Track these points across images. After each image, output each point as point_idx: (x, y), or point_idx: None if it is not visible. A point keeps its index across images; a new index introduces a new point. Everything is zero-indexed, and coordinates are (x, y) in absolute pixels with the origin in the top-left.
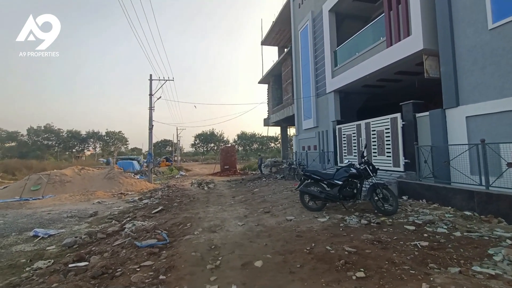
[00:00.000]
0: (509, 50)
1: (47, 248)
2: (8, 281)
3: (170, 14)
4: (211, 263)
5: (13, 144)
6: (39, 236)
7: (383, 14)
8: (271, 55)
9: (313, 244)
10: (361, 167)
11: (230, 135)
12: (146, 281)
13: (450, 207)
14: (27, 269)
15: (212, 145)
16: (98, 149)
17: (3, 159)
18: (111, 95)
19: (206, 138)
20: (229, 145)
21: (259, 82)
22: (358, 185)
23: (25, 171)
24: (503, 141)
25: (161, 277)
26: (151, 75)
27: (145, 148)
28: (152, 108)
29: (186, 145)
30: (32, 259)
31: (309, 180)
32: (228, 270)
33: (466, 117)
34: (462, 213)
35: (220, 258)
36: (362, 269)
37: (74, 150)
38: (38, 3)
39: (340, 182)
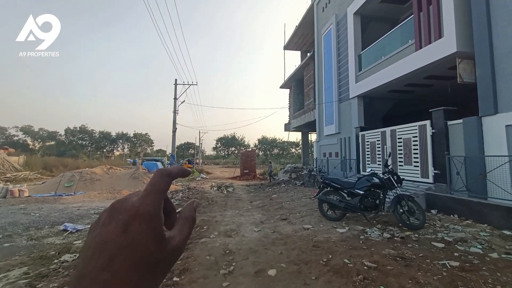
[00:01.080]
0: None
1: (74, 242)
2: (38, 272)
3: (195, 21)
4: (224, 268)
5: (52, 143)
6: (68, 230)
7: (412, 15)
8: (294, 60)
9: (330, 256)
10: (385, 177)
11: (251, 139)
12: None
13: (486, 225)
14: (55, 261)
15: (233, 149)
16: (126, 150)
17: (43, 156)
18: (139, 98)
19: (228, 142)
20: (250, 149)
21: (281, 87)
22: (381, 195)
23: (61, 168)
24: None
25: (175, 278)
26: (176, 80)
27: (169, 150)
28: (176, 112)
29: (208, 148)
30: (60, 252)
31: (329, 188)
32: (241, 277)
33: (506, 125)
34: (501, 232)
35: (234, 264)
36: (382, 287)
37: (104, 150)
38: (38, 3)
39: (362, 192)
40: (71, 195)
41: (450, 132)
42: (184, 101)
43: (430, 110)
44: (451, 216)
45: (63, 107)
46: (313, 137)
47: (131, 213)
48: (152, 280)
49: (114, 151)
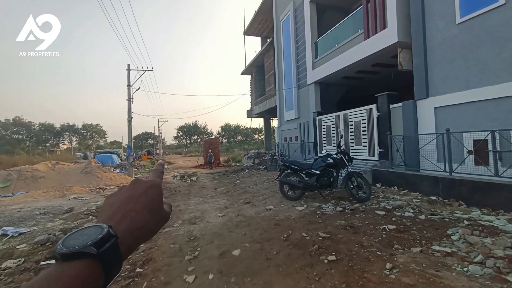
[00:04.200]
0: (474, 43)
1: (17, 246)
2: None
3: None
4: (189, 254)
5: None
6: (9, 235)
7: (362, 6)
8: (254, 45)
9: (290, 232)
10: (338, 157)
11: (214, 127)
12: (122, 274)
13: (418, 193)
14: None
15: (196, 137)
16: (74, 143)
17: None
18: (88, 86)
19: (189, 130)
20: (213, 137)
21: (242, 73)
22: (335, 174)
23: None
24: (468, 130)
25: (137, 270)
26: (128, 65)
27: (125, 141)
28: (131, 100)
29: (169, 137)
30: (0, 258)
31: (289, 170)
32: (206, 260)
33: (435, 108)
34: (428, 198)
35: (198, 249)
36: (333, 253)
37: (48, 144)
38: (38, 3)
39: (318, 172)
40: (8, 196)
41: (392, 114)
42: (139, 88)
43: (376, 95)
44: (392, 187)
45: None
46: (275, 122)
47: (150, 184)
48: (156, 217)
49: (60, 144)
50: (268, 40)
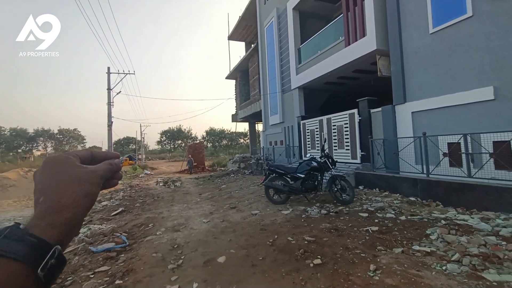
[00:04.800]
0: (446, 52)
1: None
2: None
3: (131, 4)
4: (172, 263)
5: None
6: None
7: (342, 15)
8: (239, 50)
9: (275, 236)
10: (322, 160)
11: (199, 131)
12: (100, 287)
13: (398, 194)
14: None
15: (180, 142)
16: (50, 149)
17: None
18: (66, 90)
19: (173, 135)
20: (197, 141)
21: (227, 78)
22: (319, 177)
23: None
24: (442, 133)
25: (117, 282)
26: (109, 68)
27: (105, 146)
28: (111, 104)
29: (152, 142)
30: None
31: (274, 175)
32: (190, 269)
33: (412, 112)
34: (408, 199)
35: (182, 257)
36: (319, 257)
37: (20, 151)
38: (38, 3)
39: (302, 175)
40: None
41: (372, 119)
42: (120, 91)
43: (357, 100)
44: (374, 190)
45: None
46: (260, 127)
47: (41, 168)
48: (86, 186)
49: (33, 150)
50: (252, 45)
